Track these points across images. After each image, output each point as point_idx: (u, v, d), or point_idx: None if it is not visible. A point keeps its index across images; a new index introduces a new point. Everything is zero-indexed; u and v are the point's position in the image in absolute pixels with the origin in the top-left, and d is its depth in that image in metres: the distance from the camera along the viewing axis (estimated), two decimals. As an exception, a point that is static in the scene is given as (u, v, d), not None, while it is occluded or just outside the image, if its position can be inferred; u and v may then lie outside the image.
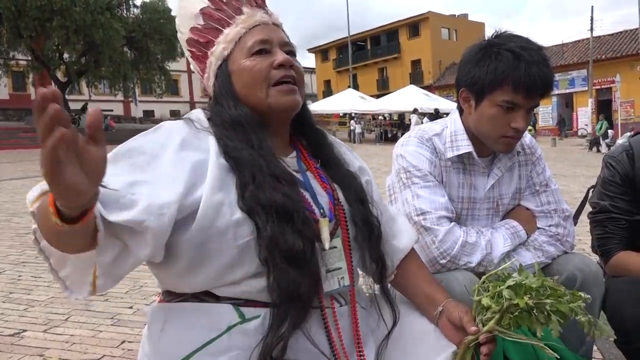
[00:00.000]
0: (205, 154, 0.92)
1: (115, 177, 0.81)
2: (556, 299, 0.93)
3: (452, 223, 1.34)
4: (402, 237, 1.17)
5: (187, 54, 1.11)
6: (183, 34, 1.09)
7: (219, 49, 1.02)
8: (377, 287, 1.10)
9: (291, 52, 1.04)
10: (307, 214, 0.94)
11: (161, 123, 0.99)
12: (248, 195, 0.89)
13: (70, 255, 0.79)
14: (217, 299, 0.92)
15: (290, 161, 1.05)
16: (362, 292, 1.12)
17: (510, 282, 0.95)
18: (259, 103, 1.00)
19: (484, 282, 1.01)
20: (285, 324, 0.88)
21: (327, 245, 0.98)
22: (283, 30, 1.08)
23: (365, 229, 1.06)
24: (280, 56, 1.00)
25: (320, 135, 1.13)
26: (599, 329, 0.97)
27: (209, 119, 1.01)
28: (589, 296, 0.96)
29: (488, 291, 0.98)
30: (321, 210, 0.99)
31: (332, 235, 1.01)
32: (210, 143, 0.95)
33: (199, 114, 1.02)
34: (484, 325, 0.97)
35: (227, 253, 0.88)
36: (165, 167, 0.88)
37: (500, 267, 1.04)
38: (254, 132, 0.97)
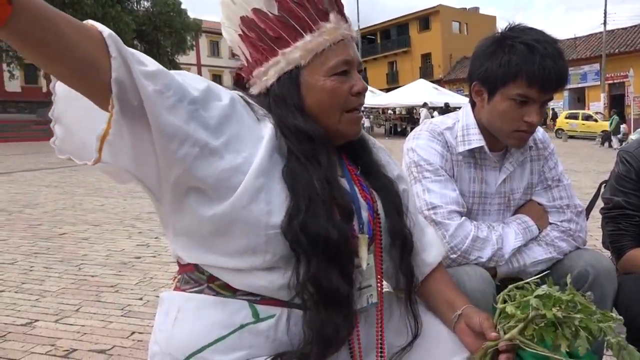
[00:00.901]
0: (255, 134, 0.89)
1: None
2: (586, 315, 0.89)
3: (463, 217, 1.33)
4: (431, 251, 1.13)
5: (233, 28, 0.99)
6: (237, 5, 0.97)
7: (296, 55, 0.93)
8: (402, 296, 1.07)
9: (361, 72, 1.00)
10: (352, 242, 0.90)
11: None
12: (296, 224, 0.84)
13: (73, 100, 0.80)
14: (234, 292, 0.90)
15: None
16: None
17: (539, 291, 0.92)
18: (328, 124, 0.95)
19: (510, 290, 0.98)
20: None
21: (364, 265, 0.94)
22: None
23: (399, 242, 1.02)
24: (360, 83, 0.96)
25: (362, 141, 1.08)
26: (629, 354, 0.92)
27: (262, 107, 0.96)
28: (620, 317, 0.92)
29: (513, 300, 0.95)
30: (360, 226, 0.95)
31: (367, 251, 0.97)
32: (268, 127, 0.91)
33: (247, 98, 0.96)
34: (505, 333, 0.94)
35: (254, 237, 0.86)
36: (215, 112, 0.84)
37: (530, 279, 1.00)
38: (325, 150, 0.92)
